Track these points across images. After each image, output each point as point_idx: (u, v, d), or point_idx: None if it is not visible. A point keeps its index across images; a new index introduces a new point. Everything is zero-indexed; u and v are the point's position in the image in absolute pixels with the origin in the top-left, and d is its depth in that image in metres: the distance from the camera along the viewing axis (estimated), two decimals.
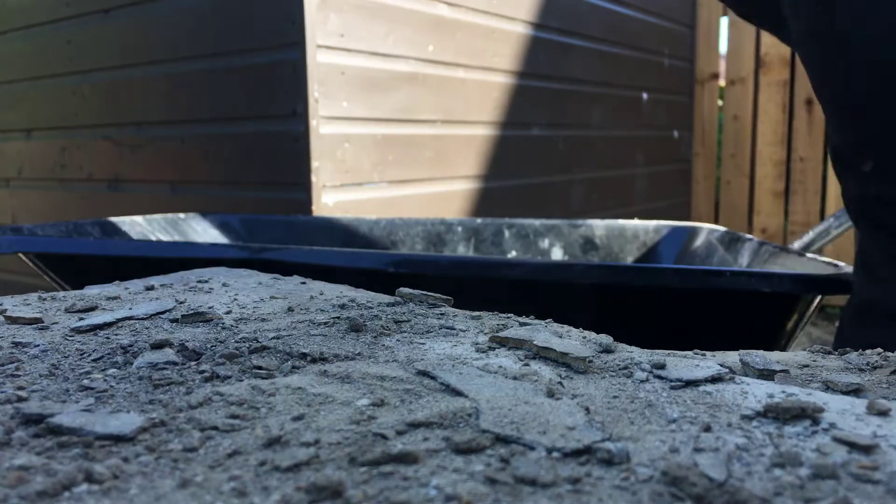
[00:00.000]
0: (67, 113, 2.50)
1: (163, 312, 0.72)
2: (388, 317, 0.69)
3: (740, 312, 1.16)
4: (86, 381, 0.51)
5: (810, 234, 1.99)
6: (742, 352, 0.60)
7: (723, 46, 3.78)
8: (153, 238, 1.72)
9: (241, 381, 0.51)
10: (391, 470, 0.37)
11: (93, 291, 0.85)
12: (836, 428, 0.42)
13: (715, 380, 0.51)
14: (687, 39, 3.79)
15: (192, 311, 0.70)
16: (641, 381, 0.51)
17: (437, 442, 0.40)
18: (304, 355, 0.57)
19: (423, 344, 0.61)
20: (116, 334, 0.64)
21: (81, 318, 0.69)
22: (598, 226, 1.97)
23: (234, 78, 2.01)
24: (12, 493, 0.34)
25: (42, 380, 0.52)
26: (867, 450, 0.39)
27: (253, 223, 1.90)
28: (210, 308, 0.74)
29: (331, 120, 1.92)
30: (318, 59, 1.87)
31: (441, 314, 0.72)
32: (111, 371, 0.54)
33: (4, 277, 2.80)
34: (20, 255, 1.33)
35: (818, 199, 3.51)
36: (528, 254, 1.96)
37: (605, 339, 0.61)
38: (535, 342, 0.58)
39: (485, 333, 0.65)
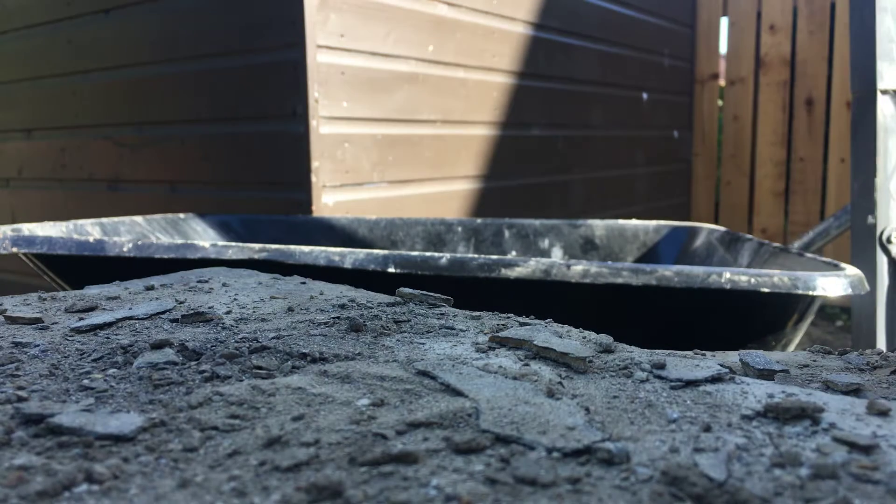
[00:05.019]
0: (67, 113, 2.50)
1: (163, 312, 0.72)
2: (388, 317, 0.69)
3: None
4: (86, 381, 0.51)
5: (810, 234, 1.99)
6: (742, 352, 0.60)
7: (723, 46, 3.78)
8: (153, 238, 1.72)
9: (241, 381, 0.51)
10: (391, 470, 0.37)
11: (93, 291, 0.85)
12: (836, 428, 0.42)
13: (715, 380, 0.51)
14: (687, 39, 3.79)
15: (192, 311, 0.70)
16: (641, 381, 0.51)
17: (437, 442, 0.40)
18: (304, 355, 0.57)
19: (423, 344, 0.61)
20: (116, 334, 0.64)
21: (81, 318, 0.69)
22: (598, 226, 1.97)
23: (234, 78, 2.01)
24: (12, 493, 0.34)
25: (42, 380, 0.52)
26: (867, 450, 0.39)
27: (253, 223, 1.90)
28: (210, 308, 0.74)
29: (331, 120, 1.91)
30: (318, 59, 1.87)
31: (441, 314, 0.72)
32: (111, 371, 0.54)
33: (4, 277, 2.80)
34: (20, 254, 1.33)
35: (818, 199, 3.50)
36: (528, 254, 1.96)
37: (605, 339, 0.61)
38: (535, 342, 0.58)
39: (485, 333, 0.65)
